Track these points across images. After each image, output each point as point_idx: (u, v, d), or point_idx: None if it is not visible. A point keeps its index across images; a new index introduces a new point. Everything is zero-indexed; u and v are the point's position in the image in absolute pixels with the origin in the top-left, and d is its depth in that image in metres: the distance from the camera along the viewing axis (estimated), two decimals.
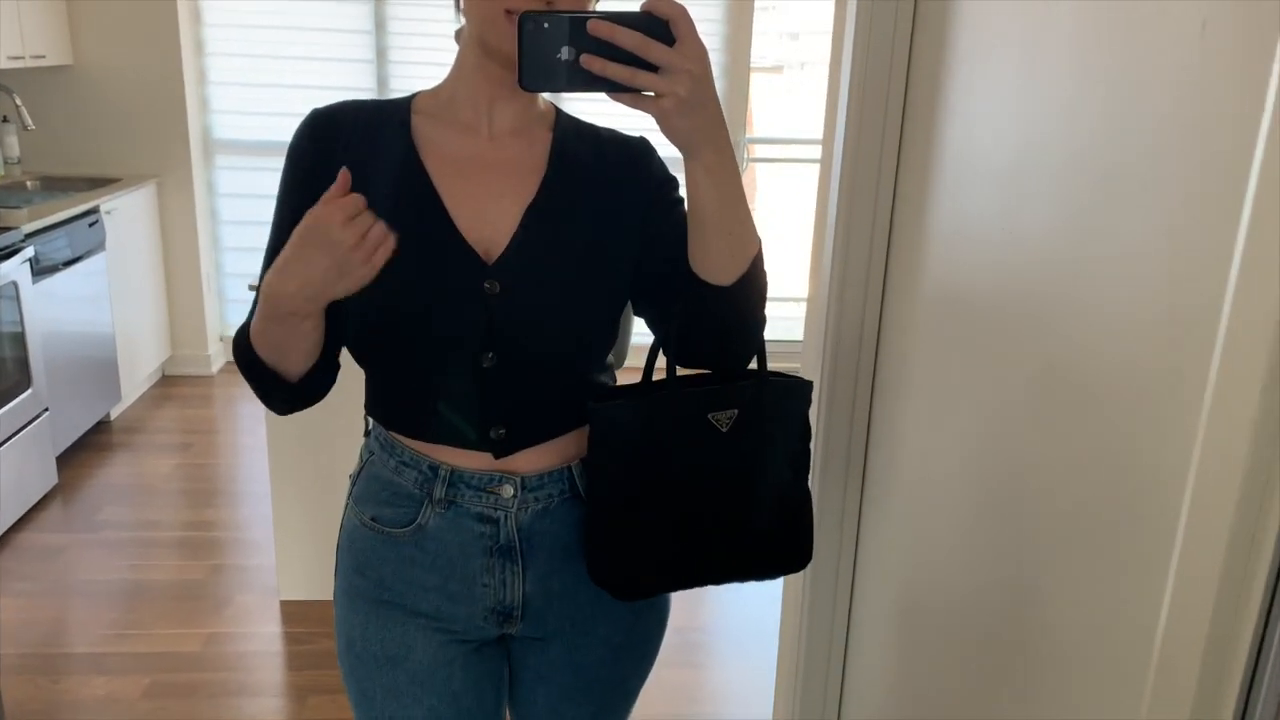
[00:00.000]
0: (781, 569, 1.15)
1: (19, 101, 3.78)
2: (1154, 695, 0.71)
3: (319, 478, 2.70)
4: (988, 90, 1.17)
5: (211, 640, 2.61)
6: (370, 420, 1.16)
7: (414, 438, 1.10)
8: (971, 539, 1.17)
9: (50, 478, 3.35)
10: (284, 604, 2.77)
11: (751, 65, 4.52)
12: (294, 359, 1.03)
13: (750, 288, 1.00)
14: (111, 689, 2.40)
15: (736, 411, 1.07)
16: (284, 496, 2.73)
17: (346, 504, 1.18)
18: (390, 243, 0.90)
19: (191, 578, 2.89)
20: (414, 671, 1.12)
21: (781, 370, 1.11)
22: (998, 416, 1.09)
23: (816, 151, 4.71)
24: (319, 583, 2.78)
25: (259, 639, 2.63)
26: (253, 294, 1.09)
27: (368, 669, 1.13)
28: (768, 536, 1.12)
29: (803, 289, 4.81)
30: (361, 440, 1.20)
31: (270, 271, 0.94)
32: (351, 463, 1.19)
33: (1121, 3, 0.87)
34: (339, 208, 0.87)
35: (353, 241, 0.87)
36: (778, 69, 4.95)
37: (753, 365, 1.09)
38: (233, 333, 1.09)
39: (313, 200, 1.01)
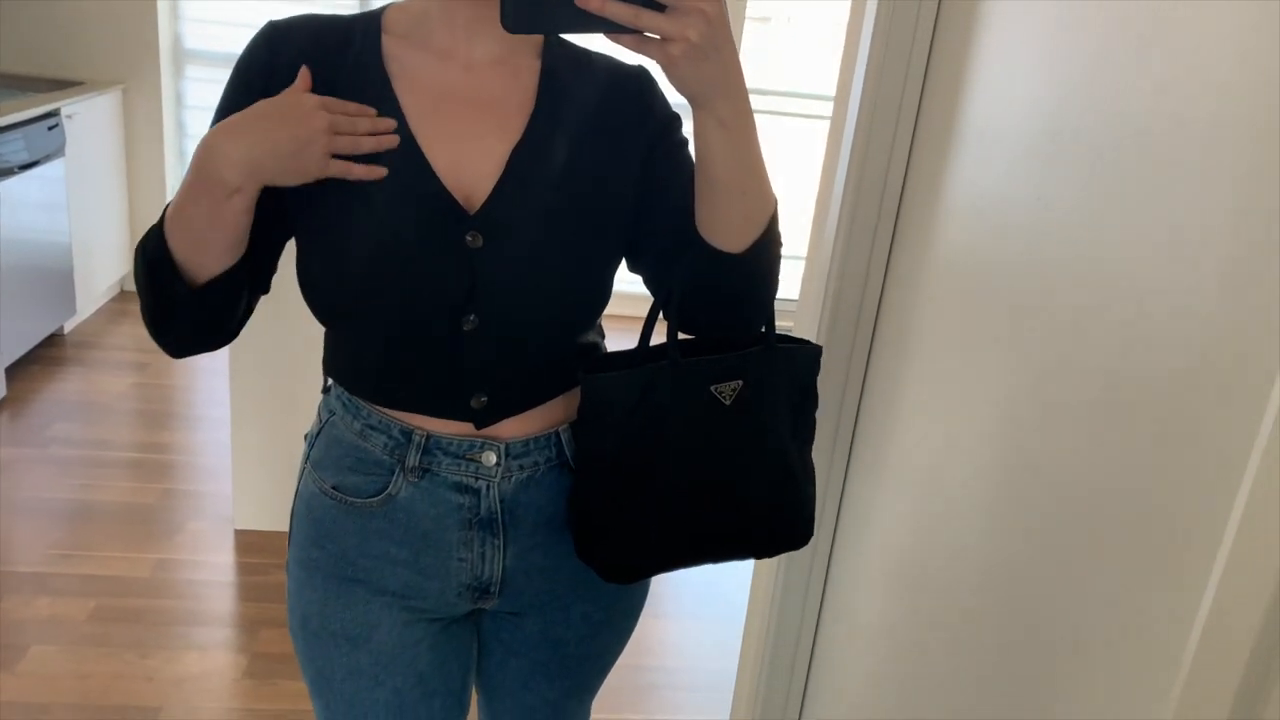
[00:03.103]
0: (782, 547, 1.09)
1: None
2: (1181, 703, 0.68)
3: (282, 405, 2.62)
4: (1023, 50, 1.11)
5: (161, 566, 2.54)
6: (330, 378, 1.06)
7: (384, 405, 0.99)
8: (982, 525, 1.14)
9: None
10: (239, 533, 2.71)
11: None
12: (211, 251, 0.88)
13: (764, 254, 0.91)
14: (55, 610, 2.33)
15: (741, 383, 0.99)
16: (244, 423, 2.65)
17: (303, 468, 1.07)
18: (355, 171, 0.88)
19: (142, 501, 2.81)
20: (377, 652, 1.03)
21: (787, 334, 1.05)
22: (1019, 397, 1.05)
23: (807, 106, 4.66)
24: (277, 513, 2.71)
25: (211, 568, 2.57)
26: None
27: (326, 648, 1.05)
28: (770, 514, 1.05)
29: (795, 246, 4.76)
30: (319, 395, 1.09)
31: (214, 129, 0.85)
32: (319, 389, 1.10)
33: None
34: (320, 100, 0.86)
35: (323, 126, 0.85)
36: (766, 19, 4.85)
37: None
38: None
39: None
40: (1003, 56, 1.16)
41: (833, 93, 1.56)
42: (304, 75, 0.89)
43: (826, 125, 1.60)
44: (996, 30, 1.19)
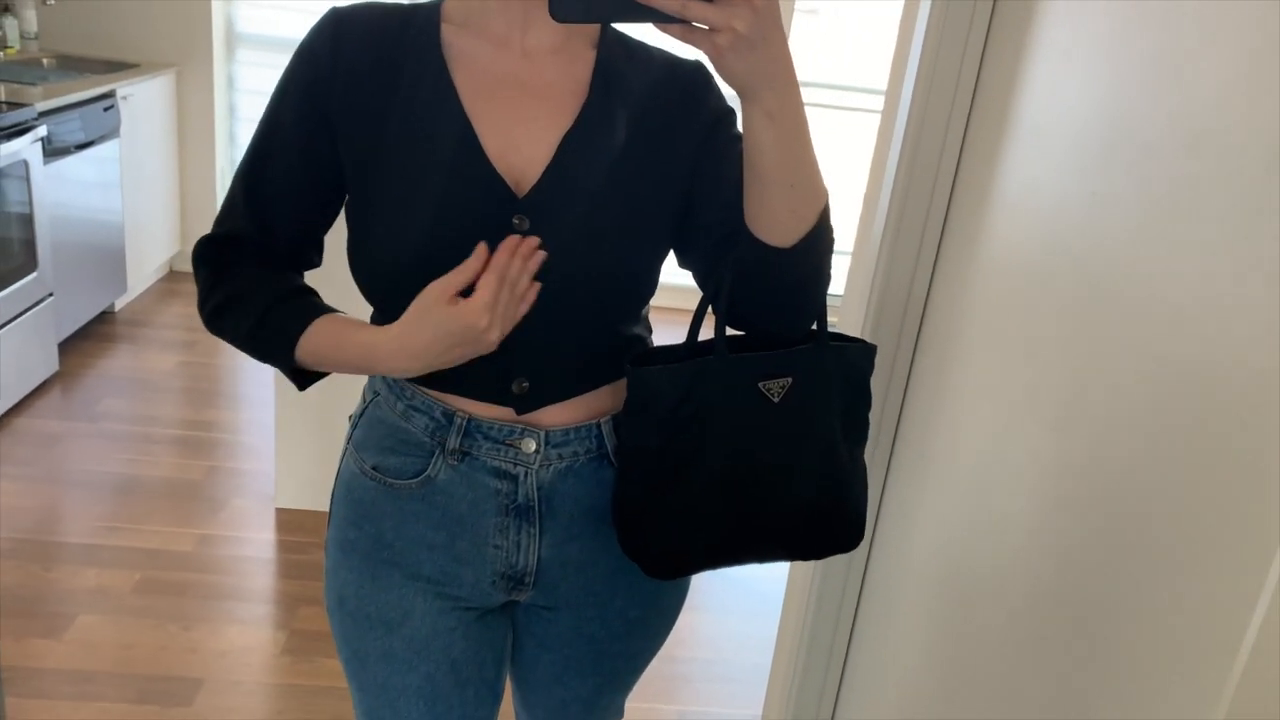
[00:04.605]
0: (832, 548, 1.07)
1: None
2: (1231, 711, 0.67)
3: (325, 386, 2.63)
4: (1079, 46, 1.09)
5: (205, 541, 2.59)
6: None
7: (426, 385, 1.00)
8: (1030, 528, 1.12)
9: (51, 364, 3.31)
10: (280, 511, 2.75)
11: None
12: (337, 370, 0.99)
13: (814, 249, 0.90)
14: (102, 581, 2.39)
15: (790, 380, 0.97)
16: (287, 402, 2.68)
17: (345, 448, 1.09)
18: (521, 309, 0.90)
19: (187, 477, 2.86)
20: (411, 638, 1.04)
21: (840, 333, 1.03)
22: (1069, 399, 1.03)
23: (853, 99, 4.61)
24: (318, 492, 2.75)
25: (253, 544, 2.61)
26: (227, 197, 1.02)
27: (360, 630, 1.06)
28: (819, 514, 1.03)
29: (841, 240, 4.72)
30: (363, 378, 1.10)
31: (389, 348, 0.91)
32: None
33: None
34: (487, 303, 0.86)
35: (496, 337, 0.89)
36: (814, 11, 4.82)
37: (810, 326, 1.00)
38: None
39: (316, 111, 0.94)
40: (1059, 52, 1.14)
41: (879, 86, 1.55)
42: (480, 253, 0.88)
43: (871, 119, 1.58)
44: (1052, 26, 1.17)
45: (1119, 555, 0.91)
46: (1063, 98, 1.12)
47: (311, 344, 0.96)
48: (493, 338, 0.88)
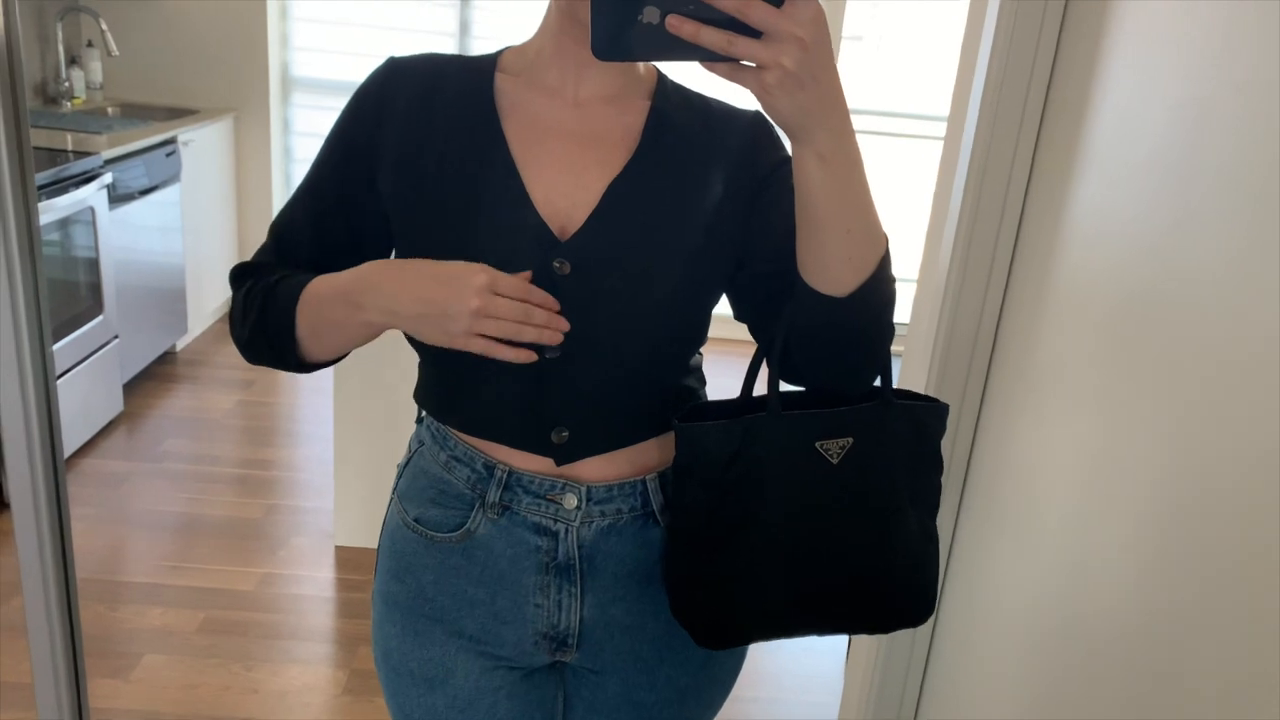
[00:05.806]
0: (898, 622, 1.01)
1: (104, 27, 3.77)
2: None
3: (384, 423, 2.67)
4: (1158, 63, 1.06)
5: (266, 580, 2.60)
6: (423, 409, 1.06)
7: (467, 432, 0.99)
8: (1128, 584, 1.08)
9: (116, 405, 3.38)
10: (339, 549, 2.76)
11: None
12: (324, 345, 0.93)
13: (872, 298, 0.84)
14: (167, 621, 2.41)
15: (851, 440, 0.92)
16: (346, 440, 2.70)
17: (391, 498, 1.08)
18: (500, 353, 0.83)
19: (248, 516, 2.89)
20: (454, 697, 1.01)
21: (908, 390, 0.97)
22: (1162, 439, 0.99)
23: (906, 125, 4.58)
24: (377, 529, 2.75)
25: (313, 583, 2.62)
26: (271, 231, 1.01)
27: (404, 685, 1.04)
28: (883, 585, 0.97)
29: (903, 268, 4.67)
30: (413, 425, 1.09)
31: (385, 264, 0.88)
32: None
33: None
34: (489, 281, 0.81)
35: (474, 308, 0.81)
36: (859, 38, 4.80)
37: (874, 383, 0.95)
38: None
39: (367, 150, 0.95)
40: (1135, 70, 1.11)
41: (931, 111, 1.52)
42: (519, 280, 0.84)
43: (926, 145, 1.56)
44: (1129, 42, 1.13)
45: (1230, 609, 0.87)
46: (1140, 118, 1.09)
47: (310, 292, 0.91)
48: (468, 306, 0.81)
